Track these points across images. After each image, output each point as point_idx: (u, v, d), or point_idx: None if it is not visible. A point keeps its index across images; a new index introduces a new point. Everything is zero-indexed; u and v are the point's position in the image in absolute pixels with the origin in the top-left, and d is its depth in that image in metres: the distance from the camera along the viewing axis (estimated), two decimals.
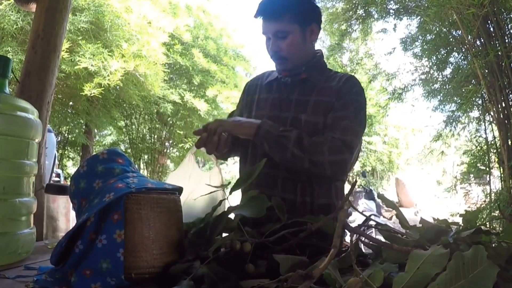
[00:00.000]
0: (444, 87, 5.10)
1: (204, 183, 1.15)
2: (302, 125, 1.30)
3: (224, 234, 1.00)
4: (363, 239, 0.92)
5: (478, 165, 4.65)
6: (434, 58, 5.06)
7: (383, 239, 0.83)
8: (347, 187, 1.13)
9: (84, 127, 8.84)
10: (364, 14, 6.66)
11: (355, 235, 0.77)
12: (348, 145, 1.24)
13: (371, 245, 0.87)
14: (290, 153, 1.22)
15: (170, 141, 10.26)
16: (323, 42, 9.98)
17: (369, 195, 7.34)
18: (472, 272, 0.53)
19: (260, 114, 1.38)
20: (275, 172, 1.31)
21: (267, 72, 1.52)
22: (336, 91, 1.32)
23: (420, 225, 0.89)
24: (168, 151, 10.29)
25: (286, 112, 1.35)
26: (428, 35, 5.06)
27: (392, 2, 5.92)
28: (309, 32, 1.34)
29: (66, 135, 9.69)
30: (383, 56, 8.77)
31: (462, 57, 4.78)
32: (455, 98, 4.93)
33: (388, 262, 0.73)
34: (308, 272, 0.63)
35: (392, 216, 8.78)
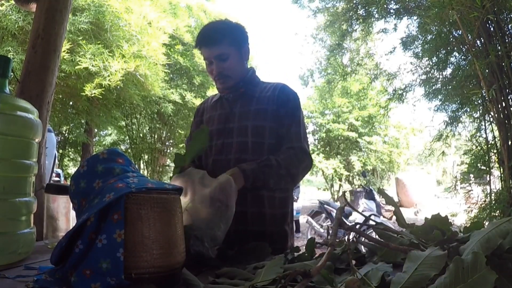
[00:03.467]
0: (445, 87, 5.09)
1: (211, 187, 1.15)
2: (249, 130, 1.49)
3: None
4: (361, 238, 0.93)
5: (478, 165, 4.64)
6: (435, 58, 5.06)
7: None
8: (345, 187, 1.13)
9: (84, 126, 8.85)
10: (364, 14, 6.66)
11: (352, 233, 0.77)
12: (305, 151, 1.47)
13: (367, 244, 0.87)
14: (278, 175, 1.38)
15: (171, 141, 10.27)
16: (323, 42, 9.98)
17: (369, 195, 7.34)
18: (471, 277, 0.54)
19: (210, 129, 1.52)
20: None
21: (211, 96, 1.74)
22: (274, 100, 1.51)
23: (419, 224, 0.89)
24: (168, 151, 10.29)
25: (231, 123, 1.53)
26: (428, 35, 5.06)
27: (392, 2, 5.92)
28: (244, 52, 1.54)
29: (66, 135, 9.70)
30: (383, 56, 8.77)
31: (463, 57, 4.78)
32: (455, 98, 4.93)
33: (383, 261, 0.73)
34: (306, 271, 0.64)
35: (392, 216, 8.78)
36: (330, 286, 0.69)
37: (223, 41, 1.47)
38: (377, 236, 0.89)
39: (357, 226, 0.86)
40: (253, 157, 1.44)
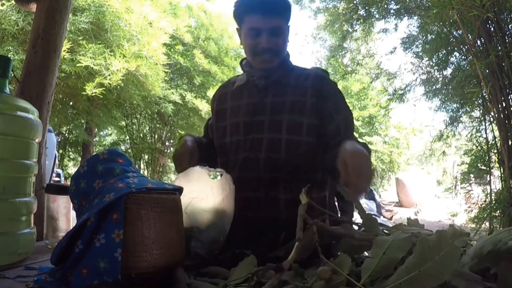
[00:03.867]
0: (445, 87, 5.09)
1: (212, 190, 1.15)
2: (285, 126, 1.30)
3: None
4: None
5: (479, 165, 4.64)
6: (435, 58, 5.06)
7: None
8: None
9: (84, 126, 8.85)
10: (365, 14, 6.66)
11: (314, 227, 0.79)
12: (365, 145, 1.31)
13: (334, 236, 0.86)
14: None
15: (171, 141, 10.26)
16: (324, 42, 9.99)
17: (370, 195, 7.34)
18: (438, 254, 0.56)
19: (235, 122, 1.37)
20: (276, 174, 1.30)
21: (232, 79, 1.50)
22: (314, 92, 1.32)
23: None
24: (168, 151, 10.29)
25: (261, 115, 1.33)
26: (429, 35, 5.06)
27: (393, 2, 5.92)
28: (288, 32, 1.36)
29: (66, 135, 9.71)
30: (384, 56, 8.77)
31: (463, 57, 4.78)
32: (456, 98, 4.93)
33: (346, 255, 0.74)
34: (278, 265, 0.66)
35: (392, 216, 8.78)
36: (301, 279, 0.71)
37: (283, 14, 1.29)
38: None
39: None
40: (286, 157, 1.29)
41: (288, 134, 1.29)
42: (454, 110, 5.16)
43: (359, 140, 1.32)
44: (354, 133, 1.36)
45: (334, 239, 0.86)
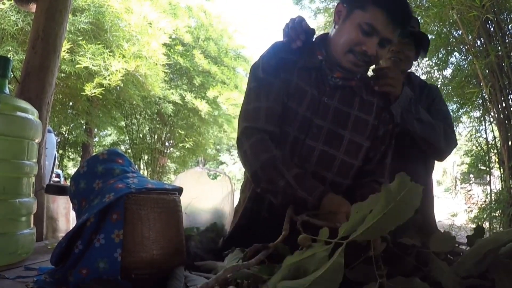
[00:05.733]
0: (445, 87, 5.10)
1: (211, 190, 1.15)
2: (344, 144, 1.16)
3: None
4: None
5: (479, 165, 4.65)
6: (435, 58, 5.06)
7: None
8: None
9: (84, 127, 8.85)
10: None
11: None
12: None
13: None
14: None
15: (171, 141, 10.26)
16: None
17: None
18: (399, 194, 0.61)
19: (294, 109, 1.15)
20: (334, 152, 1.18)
21: (293, 48, 1.19)
22: (379, 112, 1.20)
23: None
24: (168, 151, 10.28)
25: (322, 119, 1.16)
26: (428, 35, 5.06)
27: None
28: None
29: (66, 135, 9.70)
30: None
31: (463, 57, 4.78)
32: (455, 99, 4.94)
33: None
34: (264, 244, 0.77)
35: None
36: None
37: (402, 30, 1.11)
38: None
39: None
40: (335, 178, 1.17)
41: (345, 154, 1.17)
42: (454, 110, 5.15)
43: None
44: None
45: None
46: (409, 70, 1.73)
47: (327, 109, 1.16)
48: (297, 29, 1.19)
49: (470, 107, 4.74)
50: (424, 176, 1.64)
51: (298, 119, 1.15)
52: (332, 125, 1.16)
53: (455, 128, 5.24)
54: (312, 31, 1.23)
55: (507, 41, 3.84)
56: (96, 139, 11.55)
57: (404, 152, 1.50)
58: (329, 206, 0.99)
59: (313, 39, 1.24)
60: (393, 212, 0.60)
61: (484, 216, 4.29)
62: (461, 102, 4.81)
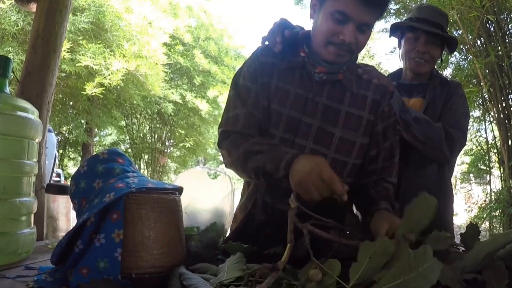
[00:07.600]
0: None
1: (212, 190, 1.15)
2: (335, 142, 1.13)
3: None
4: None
5: (479, 165, 4.65)
6: None
7: None
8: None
9: (84, 126, 8.85)
10: None
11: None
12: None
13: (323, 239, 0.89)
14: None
15: (171, 141, 10.26)
16: None
17: None
18: (421, 266, 0.60)
19: (278, 111, 1.14)
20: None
21: (284, 48, 1.17)
22: (374, 107, 1.16)
23: None
24: (168, 151, 10.29)
25: (311, 117, 1.13)
26: None
27: (393, 2, 5.92)
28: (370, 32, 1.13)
29: (66, 135, 9.71)
30: (384, 56, 8.78)
31: (463, 57, 4.78)
32: None
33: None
34: (274, 265, 0.70)
35: None
36: (294, 280, 0.74)
37: (381, 10, 1.06)
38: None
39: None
40: None
41: (336, 152, 1.14)
42: None
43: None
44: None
45: (323, 242, 0.88)
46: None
47: (316, 106, 1.14)
48: (275, 31, 1.18)
49: (470, 106, 4.74)
50: (439, 181, 1.60)
51: (283, 120, 1.14)
52: (321, 122, 1.13)
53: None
54: (296, 32, 1.20)
55: (507, 41, 3.84)
56: (97, 138, 11.54)
57: (417, 158, 1.53)
58: (296, 175, 0.96)
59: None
60: (412, 281, 0.60)
61: (484, 216, 4.29)
62: None
